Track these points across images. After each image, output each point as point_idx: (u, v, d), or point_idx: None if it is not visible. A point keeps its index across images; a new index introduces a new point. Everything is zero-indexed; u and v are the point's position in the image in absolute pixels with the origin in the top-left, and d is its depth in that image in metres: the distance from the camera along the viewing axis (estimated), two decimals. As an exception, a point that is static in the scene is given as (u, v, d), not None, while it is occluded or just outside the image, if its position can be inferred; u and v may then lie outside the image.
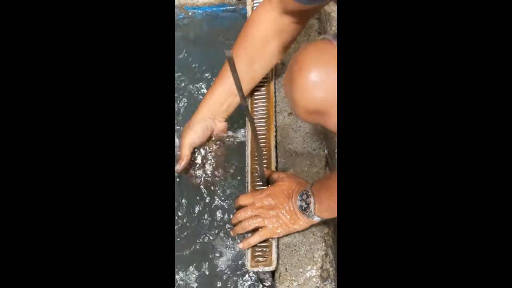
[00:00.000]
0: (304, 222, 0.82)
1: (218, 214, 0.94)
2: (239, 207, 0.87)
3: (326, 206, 0.76)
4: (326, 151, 0.92)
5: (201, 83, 1.08)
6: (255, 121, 0.96)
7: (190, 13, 1.17)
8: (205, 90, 1.07)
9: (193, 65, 1.11)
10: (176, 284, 0.90)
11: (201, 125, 0.89)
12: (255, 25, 0.85)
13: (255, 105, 0.98)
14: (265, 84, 0.99)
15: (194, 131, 0.89)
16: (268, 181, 0.89)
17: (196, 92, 1.08)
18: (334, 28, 1.11)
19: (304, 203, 0.79)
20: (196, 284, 0.90)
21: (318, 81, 0.62)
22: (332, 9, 1.17)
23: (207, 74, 1.10)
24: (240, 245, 0.85)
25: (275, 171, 0.90)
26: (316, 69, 0.63)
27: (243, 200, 0.86)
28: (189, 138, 0.89)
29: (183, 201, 0.96)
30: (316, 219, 0.80)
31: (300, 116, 0.68)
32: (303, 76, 0.63)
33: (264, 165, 0.91)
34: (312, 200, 0.78)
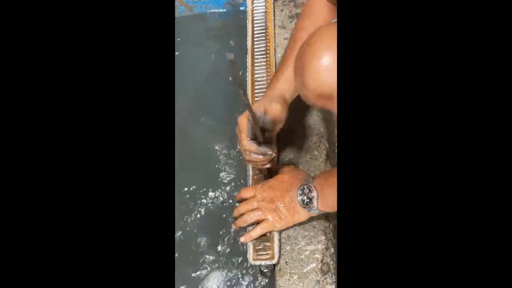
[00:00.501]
0: (303, 216, 0.82)
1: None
2: (241, 200, 0.88)
3: (331, 201, 0.76)
4: (326, 144, 0.92)
5: (201, 78, 1.08)
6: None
7: (190, 6, 1.17)
8: (204, 85, 1.07)
9: (193, 60, 1.10)
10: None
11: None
12: (312, 15, 0.81)
13: (255, 98, 0.98)
14: (266, 78, 0.99)
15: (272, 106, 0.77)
16: (270, 173, 0.89)
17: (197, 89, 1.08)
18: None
19: (306, 198, 0.79)
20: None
21: (331, 66, 0.60)
22: (333, 2, 1.16)
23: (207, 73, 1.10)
24: (242, 239, 0.86)
25: (276, 163, 0.90)
26: (329, 53, 0.60)
27: (245, 193, 0.87)
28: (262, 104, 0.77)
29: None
30: (317, 212, 0.80)
31: (309, 99, 0.67)
32: (316, 60, 0.61)
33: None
34: (315, 195, 0.78)
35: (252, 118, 0.70)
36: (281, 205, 0.82)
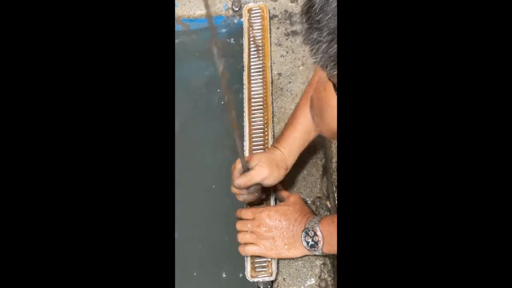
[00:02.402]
0: (299, 253, 0.82)
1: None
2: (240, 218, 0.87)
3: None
4: (323, 161, 0.93)
5: (198, 96, 1.10)
6: (253, 131, 0.97)
7: (187, 25, 1.18)
8: (201, 99, 1.08)
9: (190, 77, 1.12)
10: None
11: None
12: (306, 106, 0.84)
13: (252, 116, 0.98)
14: (262, 95, 1.00)
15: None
16: (276, 198, 0.89)
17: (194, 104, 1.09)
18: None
19: (311, 240, 0.79)
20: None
21: None
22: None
23: (203, 89, 1.11)
24: (240, 249, 0.86)
25: (283, 189, 0.90)
26: None
27: (244, 214, 0.86)
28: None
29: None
30: (320, 253, 0.80)
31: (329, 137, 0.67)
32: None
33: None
34: (321, 240, 0.77)
35: (243, 168, 0.78)
36: (279, 237, 0.81)
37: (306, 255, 0.83)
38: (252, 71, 1.04)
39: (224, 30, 1.17)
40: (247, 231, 0.84)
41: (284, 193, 0.88)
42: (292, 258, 0.84)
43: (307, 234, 0.79)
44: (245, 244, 0.84)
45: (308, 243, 0.79)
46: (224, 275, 0.95)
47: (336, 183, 0.98)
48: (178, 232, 0.95)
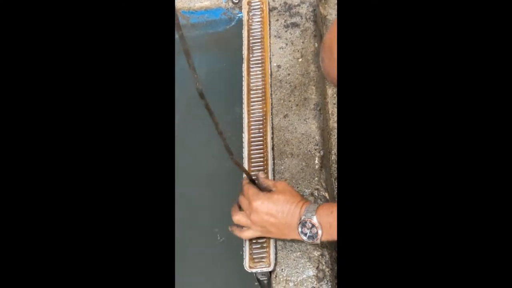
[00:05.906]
0: (293, 237, 0.81)
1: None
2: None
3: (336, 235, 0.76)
4: (321, 153, 0.93)
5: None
6: (251, 123, 0.98)
7: (187, 17, 1.18)
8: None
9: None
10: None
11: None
12: None
13: (251, 108, 0.99)
14: (261, 87, 1.00)
15: None
16: (260, 186, 0.87)
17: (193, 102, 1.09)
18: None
19: (309, 232, 0.78)
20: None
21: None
22: (328, 12, 1.18)
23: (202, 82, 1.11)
24: (232, 228, 0.86)
25: (266, 178, 0.88)
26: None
27: (240, 201, 0.86)
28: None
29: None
30: (318, 242, 0.80)
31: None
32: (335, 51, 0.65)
33: (261, 167, 0.93)
34: (321, 232, 0.77)
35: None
36: (273, 226, 0.81)
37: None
38: (251, 63, 1.04)
39: (223, 22, 1.17)
40: (243, 216, 0.84)
41: (268, 181, 0.85)
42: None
43: (304, 226, 0.78)
44: (242, 227, 0.84)
45: (306, 234, 0.78)
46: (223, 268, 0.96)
47: (335, 175, 0.98)
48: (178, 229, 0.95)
